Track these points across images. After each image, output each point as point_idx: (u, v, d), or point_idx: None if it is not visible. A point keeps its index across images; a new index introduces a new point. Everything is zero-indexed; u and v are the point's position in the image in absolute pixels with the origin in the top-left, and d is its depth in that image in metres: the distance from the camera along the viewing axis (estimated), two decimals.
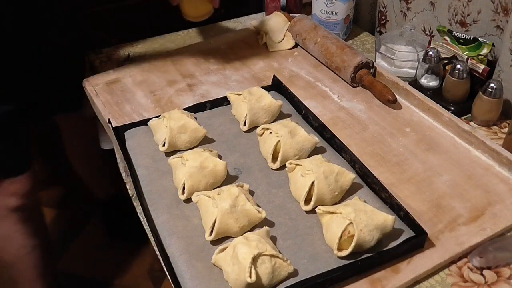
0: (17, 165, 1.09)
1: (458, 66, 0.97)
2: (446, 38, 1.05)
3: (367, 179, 0.80)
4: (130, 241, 1.72)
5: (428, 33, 1.18)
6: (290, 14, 1.29)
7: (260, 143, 0.87)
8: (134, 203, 0.89)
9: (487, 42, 0.99)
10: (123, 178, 1.00)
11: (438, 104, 0.97)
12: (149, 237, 0.76)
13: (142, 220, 0.83)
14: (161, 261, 0.69)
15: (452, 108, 0.99)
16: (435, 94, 1.02)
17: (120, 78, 1.10)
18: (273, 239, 0.70)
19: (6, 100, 1.03)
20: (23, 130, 1.09)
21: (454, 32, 1.03)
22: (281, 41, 1.22)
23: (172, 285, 0.66)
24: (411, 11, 1.20)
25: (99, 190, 1.64)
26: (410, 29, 1.13)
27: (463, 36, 1.02)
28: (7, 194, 1.08)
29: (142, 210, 0.78)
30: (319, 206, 0.71)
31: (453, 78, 0.98)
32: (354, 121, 0.97)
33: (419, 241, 0.70)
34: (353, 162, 0.83)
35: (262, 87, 0.96)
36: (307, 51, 1.19)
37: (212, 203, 0.71)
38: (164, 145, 0.85)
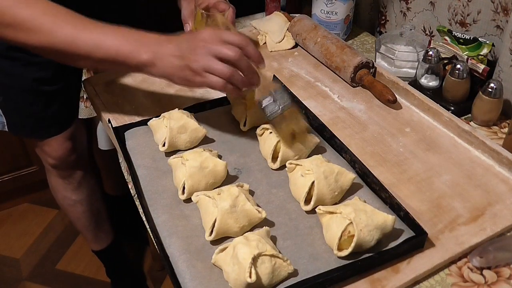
0: (45, 129, 1.15)
1: (458, 66, 0.97)
2: (446, 38, 1.05)
3: (367, 179, 0.80)
4: (133, 240, 1.73)
5: (428, 33, 1.18)
6: (290, 14, 1.29)
7: (260, 143, 0.87)
8: (136, 203, 0.89)
9: (487, 42, 0.99)
10: (125, 178, 1.00)
11: (438, 104, 0.97)
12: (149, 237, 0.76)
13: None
14: (162, 261, 0.69)
15: (452, 108, 0.99)
16: (435, 94, 1.02)
17: (120, 78, 1.10)
18: (273, 239, 0.70)
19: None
20: (52, 95, 1.11)
21: (454, 32, 1.03)
22: (281, 41, 1.22)
23: (172, 285, 0.66)
24: (411, 11, 1.20)
25: (111, 186, 1.67)
26: (410, 29, 1.13)
27: (463, 36, 1.02)
28: (44, 153, 1.21)
29: (142, 210, 0.78)
30: (319, 206, 0.71)
31: (453, 78, 0.98)
32: (354, 121, 0.97)
33: (419, 241, 0.70)
34: (353, 162, 0.82)
35: None
36: (307, 51, 1.19)
37: (212, 203, 0.71)
38: (164, 145, 0.85)
